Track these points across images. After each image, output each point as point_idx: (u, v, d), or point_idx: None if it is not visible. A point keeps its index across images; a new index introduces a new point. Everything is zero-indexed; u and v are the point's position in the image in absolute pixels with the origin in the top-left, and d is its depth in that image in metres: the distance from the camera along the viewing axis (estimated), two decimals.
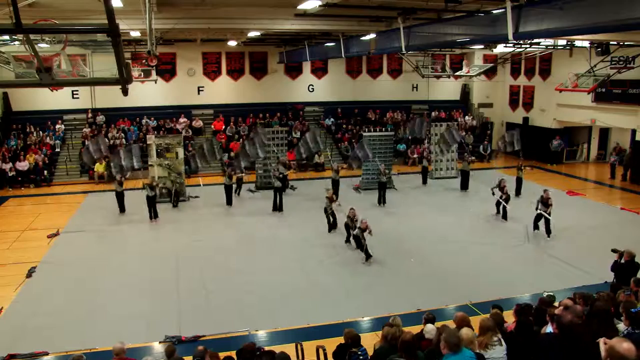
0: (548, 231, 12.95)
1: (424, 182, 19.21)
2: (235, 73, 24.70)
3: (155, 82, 20.57)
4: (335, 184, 16.73)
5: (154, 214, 14.71)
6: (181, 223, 14.47)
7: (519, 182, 17.05)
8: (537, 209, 13.11)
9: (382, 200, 16.23)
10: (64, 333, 8.34)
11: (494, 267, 11.20)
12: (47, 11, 9.52)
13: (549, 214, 12.83)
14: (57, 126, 22.07)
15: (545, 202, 12.96)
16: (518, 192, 16.95)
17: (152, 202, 14.68)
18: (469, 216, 15.04)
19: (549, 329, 4.98)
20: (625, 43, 14.55)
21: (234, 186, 17.00)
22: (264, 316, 8.96)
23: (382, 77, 26.43)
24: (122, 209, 15.30)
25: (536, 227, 13.33)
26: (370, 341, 6.86)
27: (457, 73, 22.27)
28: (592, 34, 11.81)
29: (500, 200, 14.59)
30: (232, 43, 21.35)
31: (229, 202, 16.14)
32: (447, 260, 11.55)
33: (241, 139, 22.93)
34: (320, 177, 20.06)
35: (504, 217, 14.56)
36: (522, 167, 17.37)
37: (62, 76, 6.59)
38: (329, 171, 18.83)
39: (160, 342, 8.02)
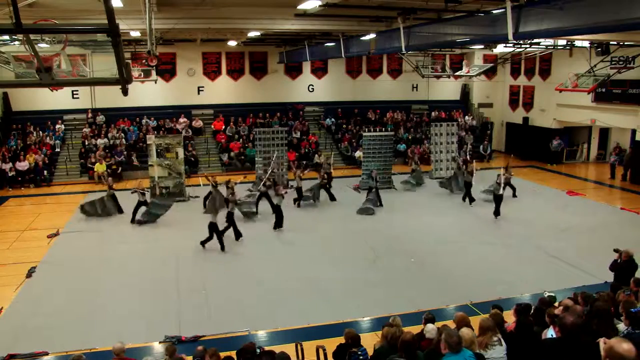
0: (497, 212, 14.38)
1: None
2: (235, 73, 24.71)
3: (155, 82, 20.51)
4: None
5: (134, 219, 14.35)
6: (181, 223, 14.45)
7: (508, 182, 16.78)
8: (494, 190, 14.62)
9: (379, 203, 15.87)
10: (64, 333, 8.33)
11: (494, 267, 11.19)
12: (47, 11, 9.52)
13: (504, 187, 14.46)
14: (57, 126, 22.06)
15: (498, 183, 14.27)
16: (514, 194, 16.77)
17: (140, 206, 14.47)
18: (468, 216, 15.04)
19: (550, 332, 4.95)
20: (625, 43, 14.57)
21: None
22: (264, 316, 8.96)
23: (382, 77, 26.43)
24: (118, 210, 15.19)
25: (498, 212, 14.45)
26: (370, 341, 6.86)
27: (457, 73, 22.28)
28: (592, 34, 11.82)
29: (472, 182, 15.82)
30: (232, 43, 21.36)
31: None
32: (447, 260, 11.55)
33: (241, 139, 23.00)
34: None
35: (471, 200, 15.83)
36: (508, 168, 16.44)
37: (62, 76, 6.59)
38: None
39: (160, 342, 8.02)
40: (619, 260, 8.40)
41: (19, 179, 19.02)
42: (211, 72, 24.34)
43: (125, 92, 5.76)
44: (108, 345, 6.48)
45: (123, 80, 5.43)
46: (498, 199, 14.30)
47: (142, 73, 18.23)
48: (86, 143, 21.28)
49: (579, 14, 7.13)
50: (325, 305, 9.37)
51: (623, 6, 6.40)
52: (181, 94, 23.85)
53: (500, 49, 18.94)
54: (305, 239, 13.13)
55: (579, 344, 4.09)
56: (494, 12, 8.82)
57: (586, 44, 15.52)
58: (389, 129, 22.91)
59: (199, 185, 16.64)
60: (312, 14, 11.46)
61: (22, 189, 18.85)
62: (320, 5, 10.33)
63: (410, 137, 24.33)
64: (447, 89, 27.26)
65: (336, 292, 9.97)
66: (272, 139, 18.28)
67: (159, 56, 15.32)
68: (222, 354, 5.61)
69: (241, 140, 22.98)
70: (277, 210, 13.73)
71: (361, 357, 5.58)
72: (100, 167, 19.71)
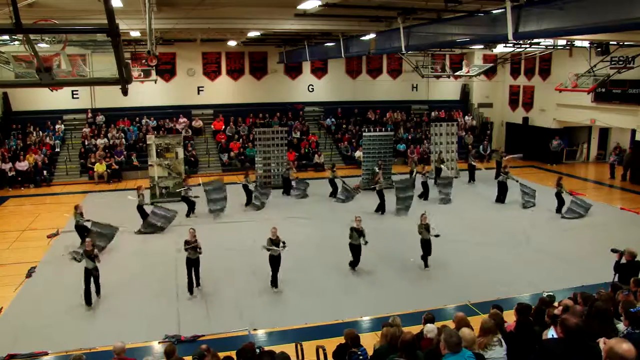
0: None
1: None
2: (235, 73, 24.70)
3: (155, 82, 20.55)
4: (332, 183, 17.20)
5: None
6: (181, 223, 14.42)
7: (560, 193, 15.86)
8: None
9: (381, 208, 15.42)
10: (64, 333, 8.34)
11: (494, 267, 11.20)
12: (47, 11, 9.51)
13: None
14: (57, 126, 22.07)
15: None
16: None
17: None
18: (468, 216, 15.04)
19: (551, 332, 4.93)
20: (625, 43, 14.56)
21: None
22: (263, 316, 8.96)
23: (382, 77, 26.43)
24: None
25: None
26: (370, 341, 6.87)
27: (457, 73, 22.27)
28: (592, 34, 11.82)
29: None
30: (232, 43, 21.36)
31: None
32: (447, 260, 11.54)
33: (241, 139, 22.99)
34: (320, 177, 20.06)
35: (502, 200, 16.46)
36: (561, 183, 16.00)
37: (62, 76, 6.58)
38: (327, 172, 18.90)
39: (159, 342, 8.02)
40: (621, 261, 8.36)
41: (19, 179, 19.02)
42: (211, 72, 24.34)
43: (125, 92, 5.77)
44: (108, 345, 6.48)
45: (123, 80, 5.44)
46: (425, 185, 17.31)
47: (142, 73, 18.25)
48: (86, 143, 21.28)
49: (579, 14, 7.13)
50: (325, 305, 9.37)
51: (623, 6, 6.40)
52: (181, 94, 23.85)
53: (500, 49, 18.92)
54: (304, 238, 13.12)
55: (582, 345, 4.07)
56: (494, 12, 8.82)
57: (586, 44, 15.51)
58: (388, 129, 22.92)
59: (200, 184, 16.28)
60: (312, 14, 11.46)
61: (22, 189, 18.85)
62: (320, 5, 10.33)
63: (410, 137, 24.34)
64: (447, 89, 27.26)
65: (336, 292, 9.97)
66: (272, 139, 18.30)
67: (158, 56, 15.31)
68: (222, 354, 5.61)
69: (241, 140, 22.98)
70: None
71: (361, 357, 5.58)
72: (100, 167, 19.72)
